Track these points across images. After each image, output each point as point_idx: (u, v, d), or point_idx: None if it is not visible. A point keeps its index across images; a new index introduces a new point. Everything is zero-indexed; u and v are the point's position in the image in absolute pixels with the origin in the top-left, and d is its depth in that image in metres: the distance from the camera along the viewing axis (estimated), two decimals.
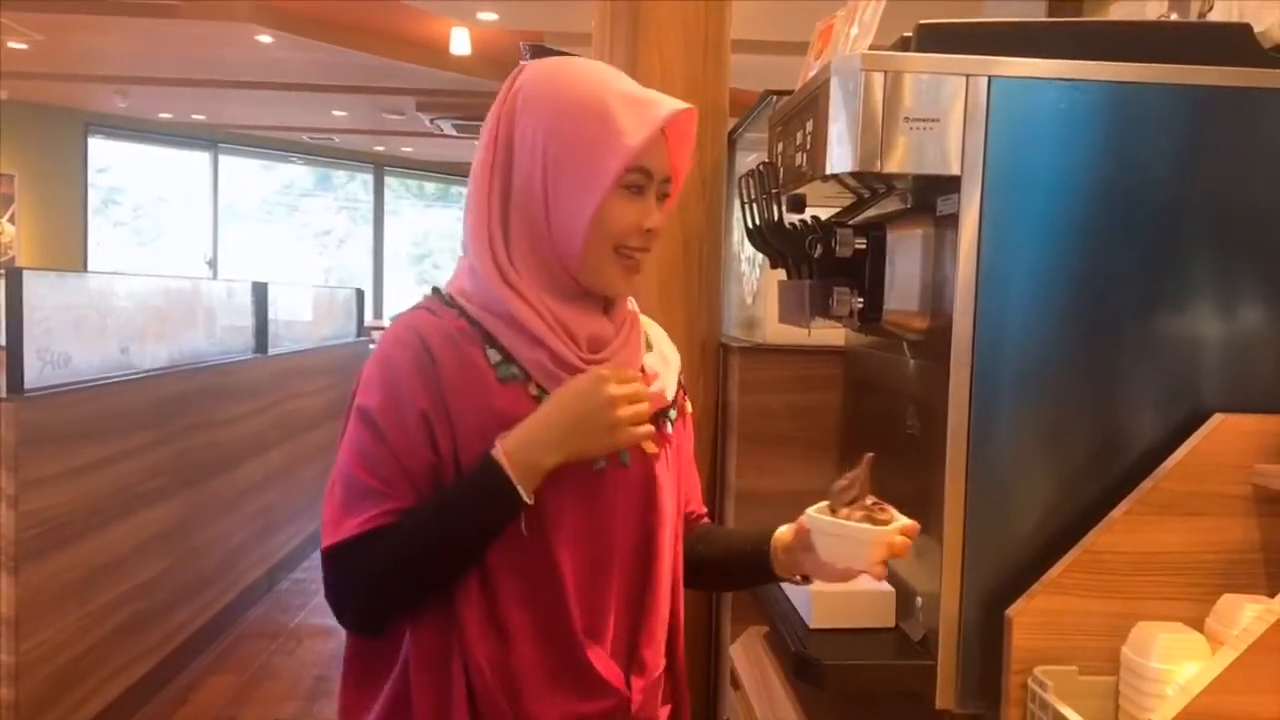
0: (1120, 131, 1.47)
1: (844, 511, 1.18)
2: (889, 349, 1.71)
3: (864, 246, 1.57)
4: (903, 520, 1.19)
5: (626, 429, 1.13)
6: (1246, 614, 1.34)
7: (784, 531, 1.28)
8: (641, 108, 1.13)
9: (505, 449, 1.09)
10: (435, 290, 1.21)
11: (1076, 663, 1.41)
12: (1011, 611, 1.43)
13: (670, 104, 1.14)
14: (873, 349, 1.86)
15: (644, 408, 1.15)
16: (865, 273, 1.57)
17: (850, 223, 1.62)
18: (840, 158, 1.46)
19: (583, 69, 1.17)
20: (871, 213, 1.73)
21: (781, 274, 1.82)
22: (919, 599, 1.57)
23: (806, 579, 1.29)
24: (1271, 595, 1.42)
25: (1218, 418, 1.43)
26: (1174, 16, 1.91)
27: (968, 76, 1.44)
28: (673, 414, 1.30)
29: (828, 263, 1.59)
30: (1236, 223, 1.48)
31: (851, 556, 1.17)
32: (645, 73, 2.33)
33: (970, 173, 1.44)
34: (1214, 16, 1.84)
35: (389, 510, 1.11)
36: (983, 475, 1.46)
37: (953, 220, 1.48)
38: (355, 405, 1.14)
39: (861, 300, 1.56)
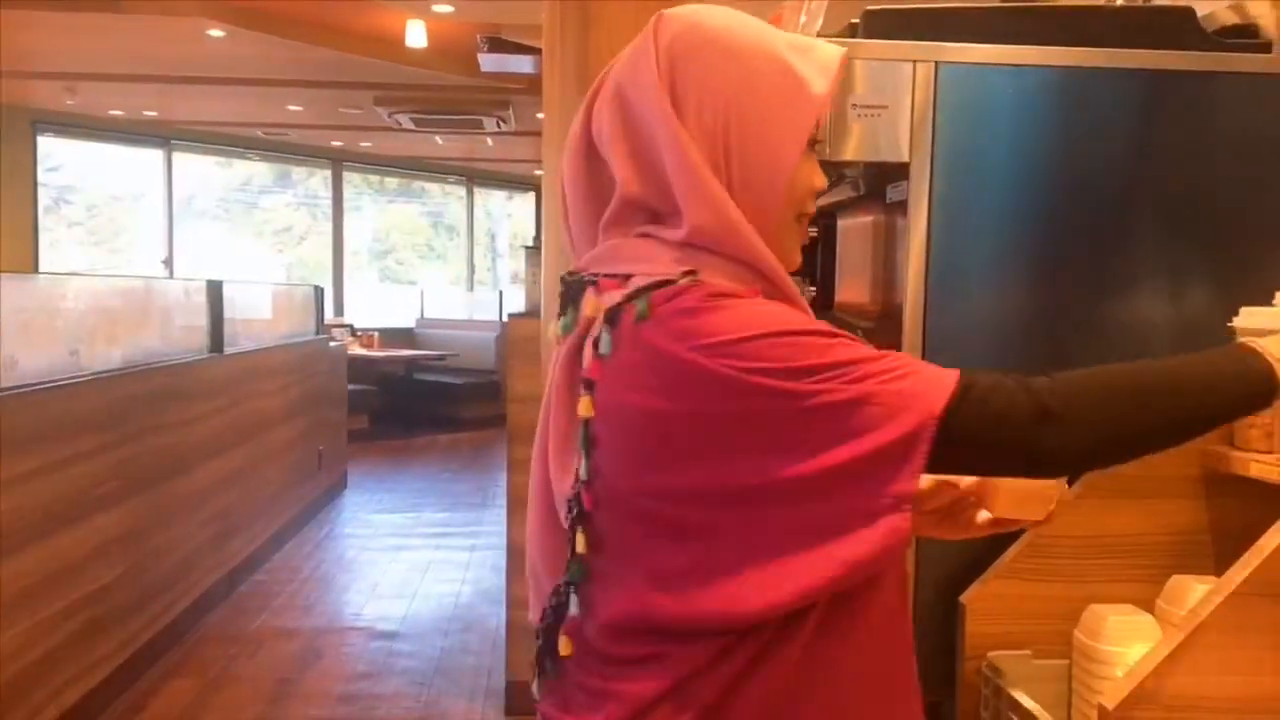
0: (1066, 116, 1.47)
1: None
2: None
3: (814, 235, 1.56)
4: None
5: None
6: (1195, 594, 1.35)
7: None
8: (810, 52, 0.96)
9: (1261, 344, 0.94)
10: (691, 273, 0.91)
11: (1031, 647, 1.42)
12: (965, 598, 1.43)
13: (831, 46, 0.99)
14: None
15: None
16: (817, 262, 1.57)
17: None
18: None
19: (733, 15, 0.98)
20: (822, 201, 1.73)
21: None
22: None
23: None
24: (1216, 574, 1.44)
25: None
26: (1119, 0, 1.92)
27: (915, 62, 1.44)
28: None
29: None
30: (1182, 206, 1.49)
31: (1026, 506, 1.10)
32: (596, 72, 2.31)
33: (919, 159, 1.44)
34: None
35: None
36: None
37: (903, 207, 1.47)
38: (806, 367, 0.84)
39: (814, 289, 1.56)
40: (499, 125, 8.32)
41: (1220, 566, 1.45)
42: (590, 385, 0.90)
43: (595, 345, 0.90)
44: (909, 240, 1.45)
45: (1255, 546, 1.07)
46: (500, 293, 10.72)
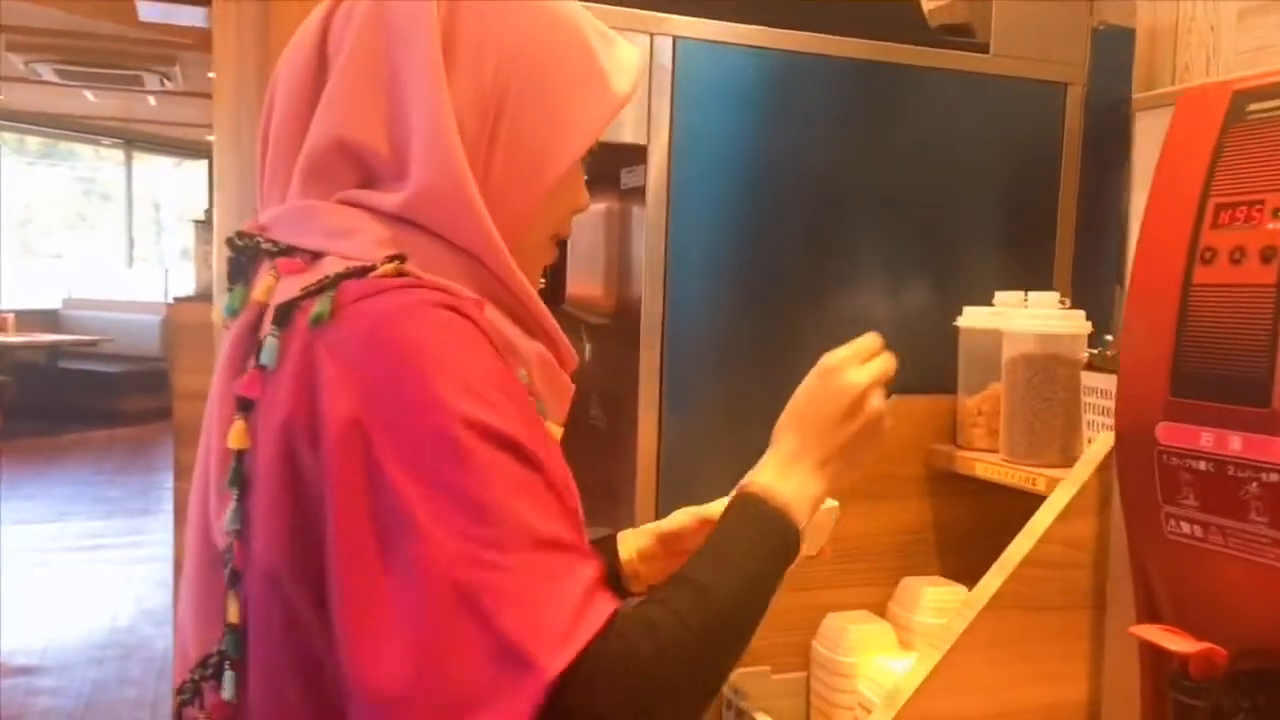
0: (801, 103, 1.41)
1: None
2: (574, 328, 1.56)
3: None
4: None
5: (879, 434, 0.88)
6: (927, 596, 1.34)
7: (646, 542, 1.01)
8: (613, 45, 0.79)
9: (764, 485, 0.81)
10: (397, 259, 0.69)
11: (769, 661, 1.35)
12: None
13: (631, 46, 0.82)
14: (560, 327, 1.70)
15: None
16: None
17: None
18: None
19: None
20: None
21: None
22: None
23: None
24: (943, 573, 1.45)
25: (890, 399, 1.43)
26: None
27: (652, 35, 1.32)
28: None
29: None
30: (902, 203, 1.48)
31: (811, 541, 0.96)
32: (280, 30, 2.02)
33: (658, 142, 1.32)
34: None
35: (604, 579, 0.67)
36: (674, 466, 1.36)
37: (639, 194, 1.35)
38: (457, 431, 0.63)
39: (543, 281, 1.40)
40: (163, 83, 7.46)
41: (943, 564, 1.46)
42: (246, 406, 0.66)
43: (257, 352, 0.67)
44: (647, 230, 1.33)
45: (1003, 559, 1.05)
46: (166, 271, 9.69)
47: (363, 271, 0.67)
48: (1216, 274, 0.81)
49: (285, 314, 0.67)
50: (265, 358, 0.66)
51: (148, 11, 5.70)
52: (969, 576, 1.42)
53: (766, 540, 0.79)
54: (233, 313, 0.72)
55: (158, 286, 9.10)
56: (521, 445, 0.64)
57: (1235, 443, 0.78)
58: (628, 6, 1.31)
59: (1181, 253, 0.84)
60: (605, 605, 0.64)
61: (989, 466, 1.31)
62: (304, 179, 0.72)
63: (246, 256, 0.73)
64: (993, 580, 1.03)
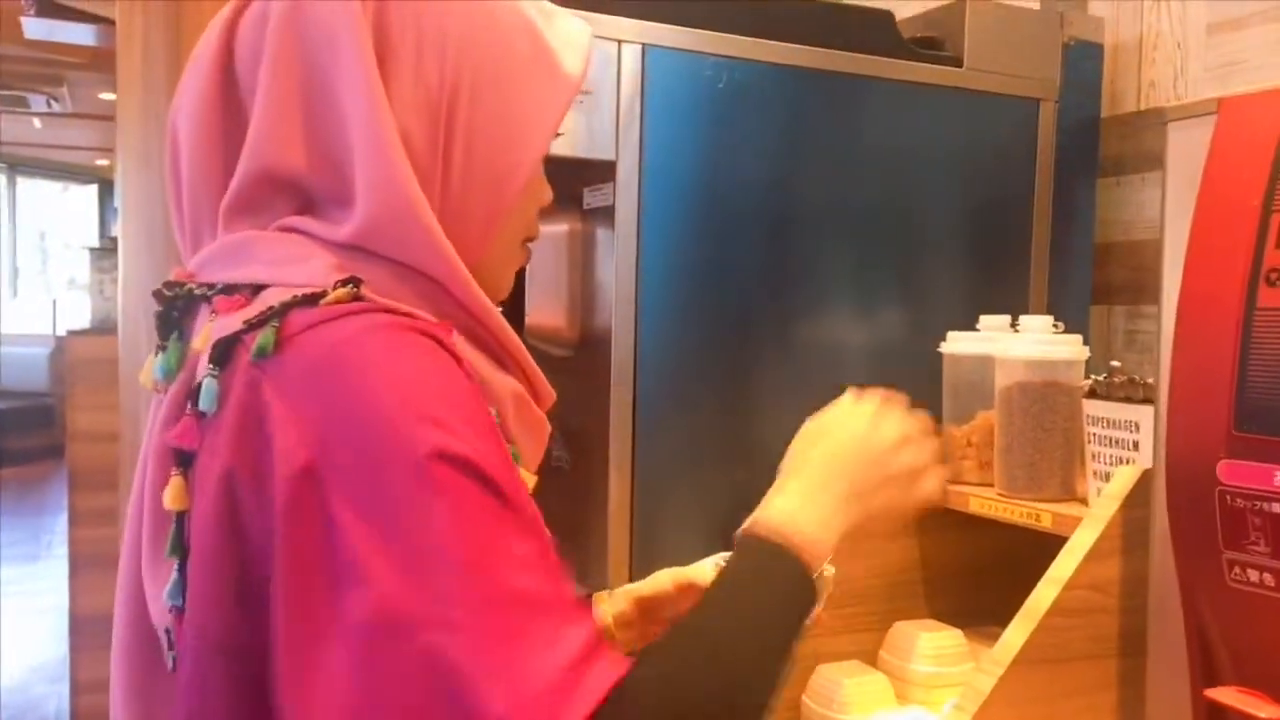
0: (774, 116, 1.33)
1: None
2: (536, 361, 1.44)
3: None
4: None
5: (927, 478, 0.80)
6: (923, 644, 1.25)
7: (623, 606, 0.92)
8: (554, 20, 0.70)
9: (774, 525, 0.70)
10: (350, 284, 0.60)
11: None
12: None
13: (574, 18, 0.73)
14: None
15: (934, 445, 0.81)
16: None
17: None
18: None
19: None
20: None
21: None
22: None
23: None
24: (932, 614, 1.36)
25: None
26: None
27: (620, 42, 1.22)
28: None
29: None
30: (876, 221, 1.40)
31: None
32: (193, 37, 1.86)
33: (628, 158, 1.22)
34: None
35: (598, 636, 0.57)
36: (649, 512, 1.25)
37: (605, 214, 1.24)
38: (423, 469, 0.54)
39: (500, 309, 1.28)
40: (50, 105, 7.07)
41: (931, 605, 1.38)
42: (184, 460, 0.57)
43: (194, 398, 0.57)
44: (616, 254, 1.23)
45: (1027, 609, 0.96)
46: (54, 301, 9.18)
47: (312, 299, 0.58)
48: None
49: (224, 351, 0.57)
50: (203, 402, 0.56)
51: (35, 29, 5.38)
52: (959, 616, 1.35)
53: (780, 587, 0.70)
54: (169, 373, 0.61)
55: (44, 318, 8.60)
56: (496, 481, 0.56)
57: None
58: (591, 11, 1.20)
59: (1242, 273, 0.76)
60: (606, 671, 0.54)
61: (985, 502, 1.23)
62: (232, 215, 0.63)
63: (179, 308, 0.63)
64: (1018, 633, 0.95)
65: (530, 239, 0.76)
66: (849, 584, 1.32)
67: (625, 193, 1.22)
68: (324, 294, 0.58)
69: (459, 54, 0.64)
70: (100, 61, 5.47)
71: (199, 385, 0.57)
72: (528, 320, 1.30)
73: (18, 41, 5.86)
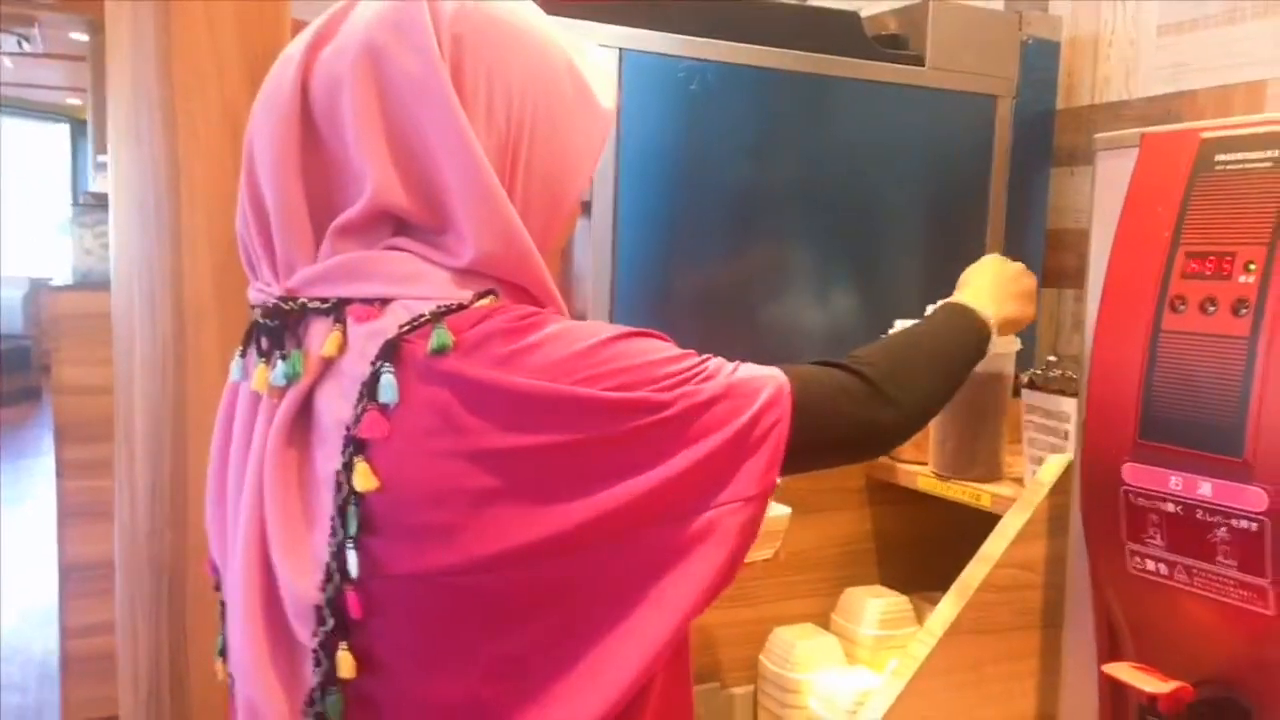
0: (746, 116, 1.40)
1: None
2: None
3: None
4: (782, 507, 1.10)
5: (1033, 300, 1.11)
6: (871, 609, 1.36)
7: None
8: (584, 55, 0.78)
9: (956, 300, 1.02)
10: (489, 295, 0.70)
11: (717, 678, 1.36)
12: None
13: (597, 49, 0.81)
14: None
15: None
16: None
17: None
18: None
19: (527, 4, 0.76)
20: None
21: None
22: None
23: None
24: (882, 582, 1.47)
25: None
26: None
27: (599, 48, 1.28)
28: None
29: None
30: (843, 214, 1.48)
31: (757, 545, 0.99)
32: (182, 16, 1.89)
33: (604, 157, 1.29)
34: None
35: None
36: None
37: (584, 207, 1.32)
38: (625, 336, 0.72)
39: None
40: (20, 45, 6.96)
41: (883, 573, 1.49)
42: (364, 447, 0.65)
43: (368, 393, 0.65)
44: (593, 246, 1.30)
45: (959, 585, 1.06)
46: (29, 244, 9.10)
47: (460, 307, 0.67)
48: (1187, 322, 0.83)
49: (393, 350, 0.66)
50: (385, 395, 0.65)
51: None
52: (907, 583, 1.46)
53: (958, 321, 0.98)
54: (294, 377, 0.69)
55: (19, 259, 8.55)
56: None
57: (1205, 488, 0.81)
58: (571, 17, 1.26)
59: (1151, 298, 0.85)
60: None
61: (931, 482, 1.33)
62: (340, 239, 0.70)
63: (288, 319, 0.70)
64: (951, 607, 1.05)
65: (565, 247, 0.86)
66: (804, 553, 1.42)
67: (602, 188, 1.29)
68: (466, 305, 0.67)
69: (521, 98, 0.71)
70: (70, 2, 5.41)
71: (371, 381, 0.65)
72: None
73: None
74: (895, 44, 1.52)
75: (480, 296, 0.68)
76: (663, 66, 1.32)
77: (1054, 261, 1.70)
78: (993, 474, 1.27)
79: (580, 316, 1.34)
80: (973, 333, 0.97)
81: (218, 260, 2.02)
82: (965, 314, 0.98)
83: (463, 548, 0.64)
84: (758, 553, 1.00)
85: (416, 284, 0.68)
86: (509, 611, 0.66)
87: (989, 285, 1.05)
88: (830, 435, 0.80)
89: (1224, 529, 0.80)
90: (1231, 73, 1.45)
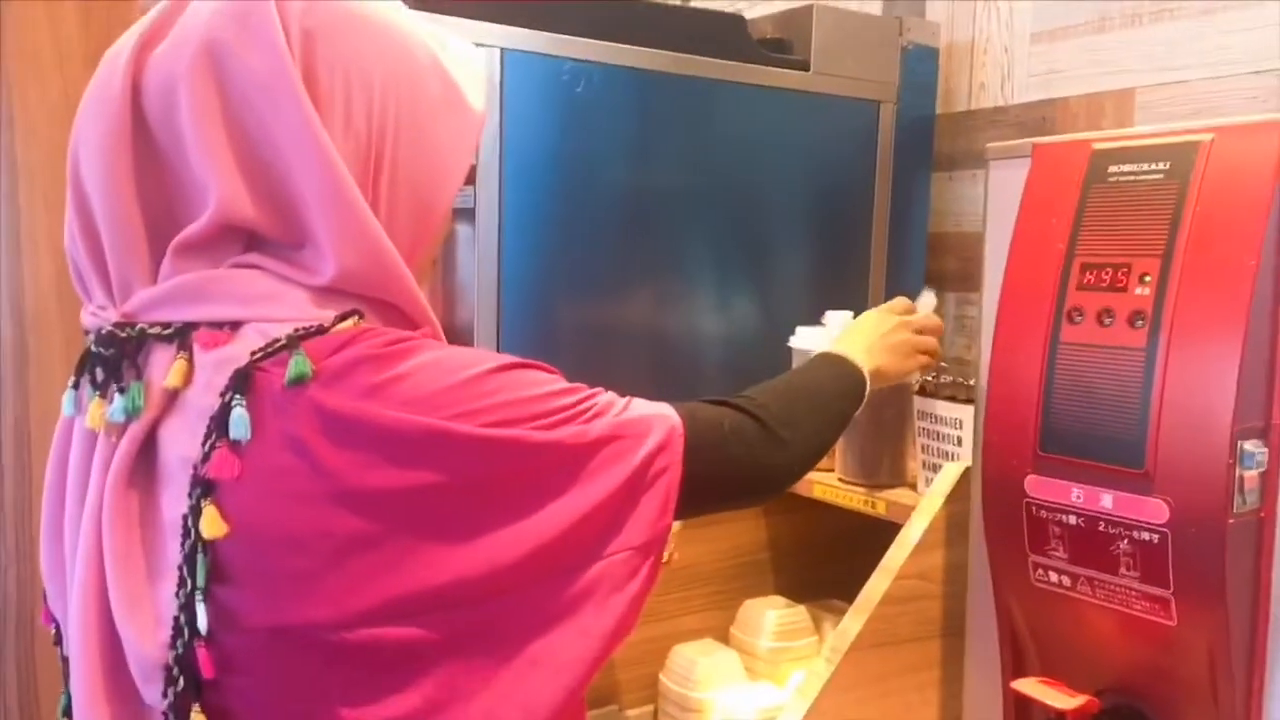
0: (631, 120, 1.36)
1: None
2: None
3: None
4: None
5: (919, 356, 1.10)
6: (770, 621, 1.34)
7: None
8: (450, 52, 0.71)
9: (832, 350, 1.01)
10: (353, 316, 0.64)
11: (617, 700, 1.32)
12: None
13: (467, 47, 0.75)
14: None
15: (932, 342, 1.12)
16: None
17: None
18: None
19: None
20: None
21: None
22: None
23: None
24: (779, 591, 1.46)
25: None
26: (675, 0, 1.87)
27: (477, 46, 1.22)
28: None
29: None
30: (729, 219, 1.46)
31: None
32: (17, 5, 1.74)
33: (488, 161, 1.23)
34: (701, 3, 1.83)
35: None
36: None
37: (466, 215, 1.26)
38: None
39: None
40: None
41: (778, 582, 1.48)
42: (213, 488, 0.58)
43: (217, 429, 0.58)
44: (478, 254, 1.24)
45: (861, 600, 1.05)
46: None
47: (320, 330, 0.61)
48: (1084, 334, 0.83)
49: (244, 381, 0.59)
50: (237, 431, 0.58)
51: None
52: (804, 591, 1.45)
53: (835, 369, 0.97)
54: (134, 412, 0.61)
55: None
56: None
57: (1107, 500, 0.81)
58: (446, 14, 1.20)
59: (1047, 310, 0.85)
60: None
61: (826, 489, 1.32)
62: (183, 257, 0.63)
63: (128, 348, 0.62)
64: (853, 623, 1.04)
65: (437, 259, 0.81)
66: (700, 565, 1.40)
67: (486, 194, 1.23)
68: (330, 327, 0.61)
69: (383, 98, 0.65)
70: None
71: (221, 415, 0.58)
72: None
73: None
74: (779, 48, 1.50)
75: (343, 318, 0.62)
76: (546, 67, 1.27)
77: (935, 265, 1.72)
78: (898, 479, 1.27)
79: (465, 329, 1.28)
80: (851, 379, 0.96)
81: (62, 266, 1.87)
82: (841, 363, 0.97)
83: (326, 599, 0.58)
84: None
85: (271, 305, 0.62)
86: (381, 672, 0.60)
87: (863, 338, 1.05)
88: (724, 478, 0.77)
89: (1126, 540, 0.80)
90: (1102, 80, 1.48)
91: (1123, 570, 0.81)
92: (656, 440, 0.69)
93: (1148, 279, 0.79)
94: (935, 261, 1.72)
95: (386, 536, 0.59)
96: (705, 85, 1.40)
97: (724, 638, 1.38)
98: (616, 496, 0.66)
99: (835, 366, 0.97)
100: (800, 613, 1.36)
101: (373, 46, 0.66)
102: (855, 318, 1.13)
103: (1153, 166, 0.81)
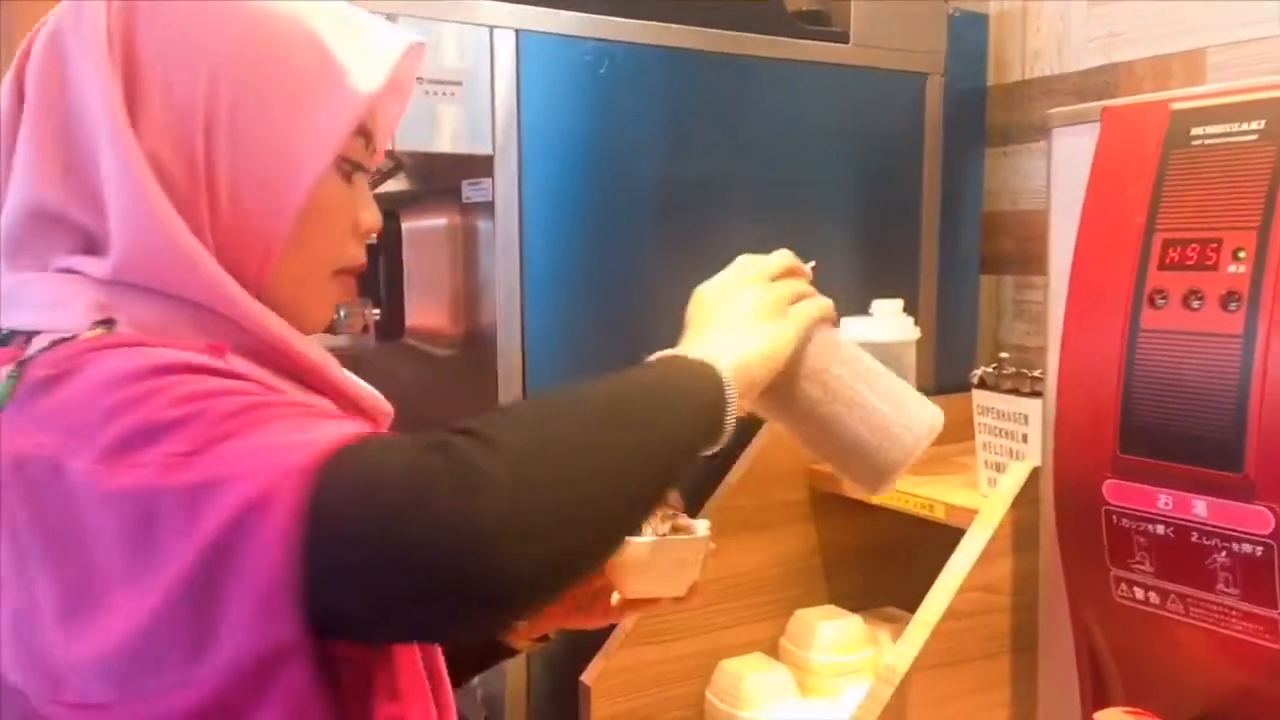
0: (658, 100, 1.28)
1: (650, 524, 0.82)
2: (418, 363, 1.38)
3: (372, 242, 1.21)
4: (702, 525, 0.83)
5: (799, 305, 0.73)
6: (823, 633, 1.26)
7: None
8: (367, 33, 0.65)
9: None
10: (105, 324, 0.58)
11: (664, 718, 1.24)
12: (588, 677, 1.21)
13: (401, 32, 0.66)
14: (399, 364, 1.51)
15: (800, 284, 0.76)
16: (379, 275, 1.22)
17: None
18: None
19: None
20: (380, 191, 1.38)
21: None
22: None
23: (546, 637, 0.88)
24: (832, 599, 1.37)
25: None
26: None
27: (493, 28, 1.15)
28: None
29: None
30: (765, 202, 1.37)
31: (665, 580, 0.82)
32: (22, 13, 1.70)
33: (506, 151, 1.16)
34: None
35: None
36: None
37: (486, 208, 1.19)
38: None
39: (378, 312, 1.21)
40: None
41: (831, 589, 1.39)
42: None
43: None
44: (498, 247, 1.17)
45: (921, 616, 0.96)
46: None
47: (65, 340, 0.56)
48: (1169, 319, 0.73)
49: None
50: None
51: None
52: (859, 600, 1.36)
53: (670, 383, 0.64)
54: None
55: None
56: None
57: (1200, 508, 0.71)
58: None
59: (1125, 293, 0.76)
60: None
61: None
62: (11, 256, 0.61)
63: None
64: (914, 640, 0.95)
65: (346, 270, 0.68)
66: (747, 574, 1.31)
67: (504, 183, 1.16)
68: (74, 337, 0.56)
69: (213, 73, 0.60)
70: None
71: None
72: (408, 322, 1.23)
73: None
74: (817, 20, 1.41)
75: (99, 324, 0.56)
76: (566, 49, 1.19)
77: (991, 247, 1.61)
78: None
79: (489, 329, 1.21)
80: (689, 397, 0.63)
81: None
82: (676, 367, 0.66)
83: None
84: (665, 588, 0.82)
85: (59, 311, 0.58)
86: None
87: (706, 322, 0.72)
88: (377, 554, 0.47)
89: (1224, 553, 0.70)
90: (1169, 41, 1.37)
91: (1220, 586, 0.71)
92: (241, 499, 0.47)
93: (1242, 255, 0.70)
94: (990, 243, 1.61)
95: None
96: (737, 62, 1.31)
97: (774, 651, 1.30)
98: (178, 586, 0.47)
99: (669, 378, 0.64)
100: (856, 623, 1.27)
101: (208, 21, 0.61)
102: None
103: (1245, 126, 0.71)
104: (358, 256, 0.68)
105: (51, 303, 0.59)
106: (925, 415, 0.71)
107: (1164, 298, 0.73)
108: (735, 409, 0.64)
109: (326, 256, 0.66)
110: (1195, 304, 0.72)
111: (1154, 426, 0.74)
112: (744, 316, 0.70)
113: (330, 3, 0.65)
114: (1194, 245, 0.72)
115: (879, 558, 1.37)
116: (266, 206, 0.61)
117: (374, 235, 0.69)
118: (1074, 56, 1.50)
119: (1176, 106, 0.76)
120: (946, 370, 1.51)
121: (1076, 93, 1.49)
